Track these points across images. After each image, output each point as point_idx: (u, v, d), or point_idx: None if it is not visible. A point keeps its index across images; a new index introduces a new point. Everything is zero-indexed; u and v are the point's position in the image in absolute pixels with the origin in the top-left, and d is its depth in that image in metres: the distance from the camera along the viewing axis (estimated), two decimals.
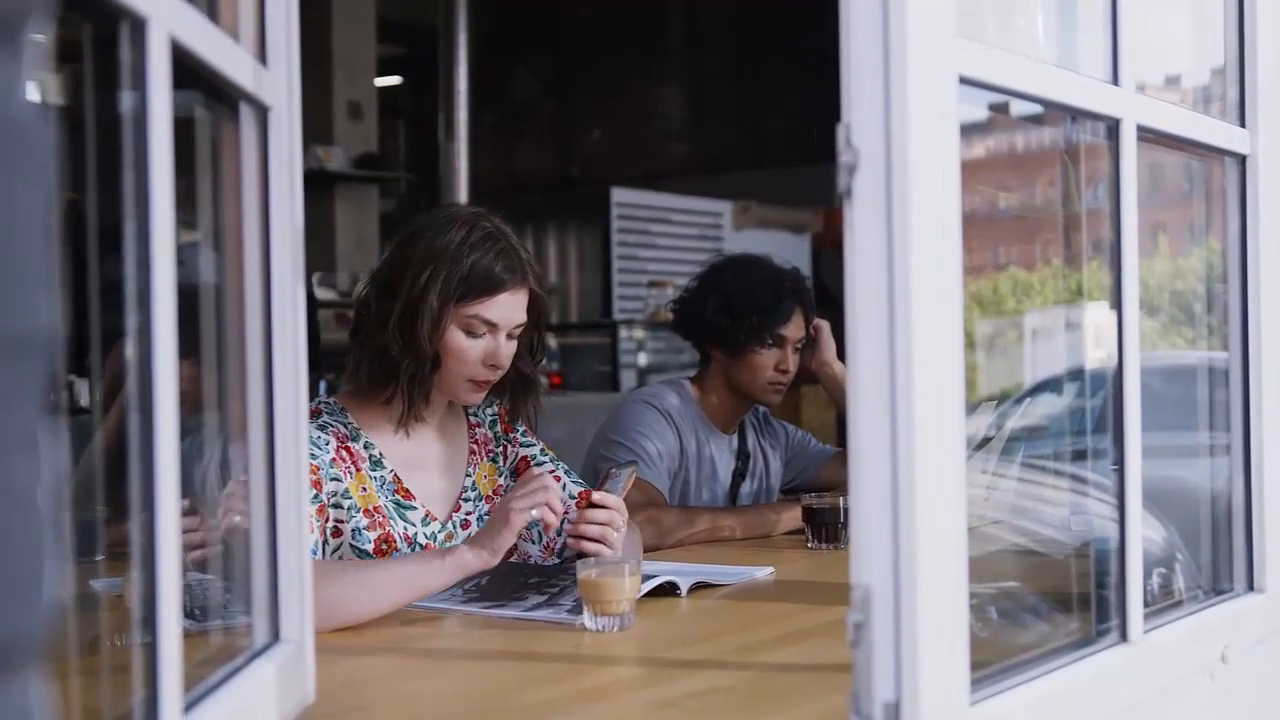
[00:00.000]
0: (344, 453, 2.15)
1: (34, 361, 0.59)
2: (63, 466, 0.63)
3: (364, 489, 2.16)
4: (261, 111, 1.34)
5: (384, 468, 2.21)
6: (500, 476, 2.37)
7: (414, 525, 2.20)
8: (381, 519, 2.16)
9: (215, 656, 1.32)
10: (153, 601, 1.00)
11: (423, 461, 2.27)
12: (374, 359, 2.18)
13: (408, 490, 2.22)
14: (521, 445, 2.41)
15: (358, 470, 2.17)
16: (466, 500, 2.31)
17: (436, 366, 2.18)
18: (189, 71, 1.11)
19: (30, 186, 0.58)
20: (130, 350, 1.00)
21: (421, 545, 2.20)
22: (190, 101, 1.25)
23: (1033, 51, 1.61)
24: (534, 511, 1.96)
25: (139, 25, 0.99)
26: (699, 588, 2.17)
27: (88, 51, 1.02)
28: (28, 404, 0.58)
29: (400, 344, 2.15)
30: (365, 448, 2.20)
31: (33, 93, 0.60)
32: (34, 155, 0.58)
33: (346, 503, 2.13)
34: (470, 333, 2.17)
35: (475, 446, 2.36)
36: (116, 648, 1.37)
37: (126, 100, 1.01)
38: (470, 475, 2.33)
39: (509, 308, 2.19)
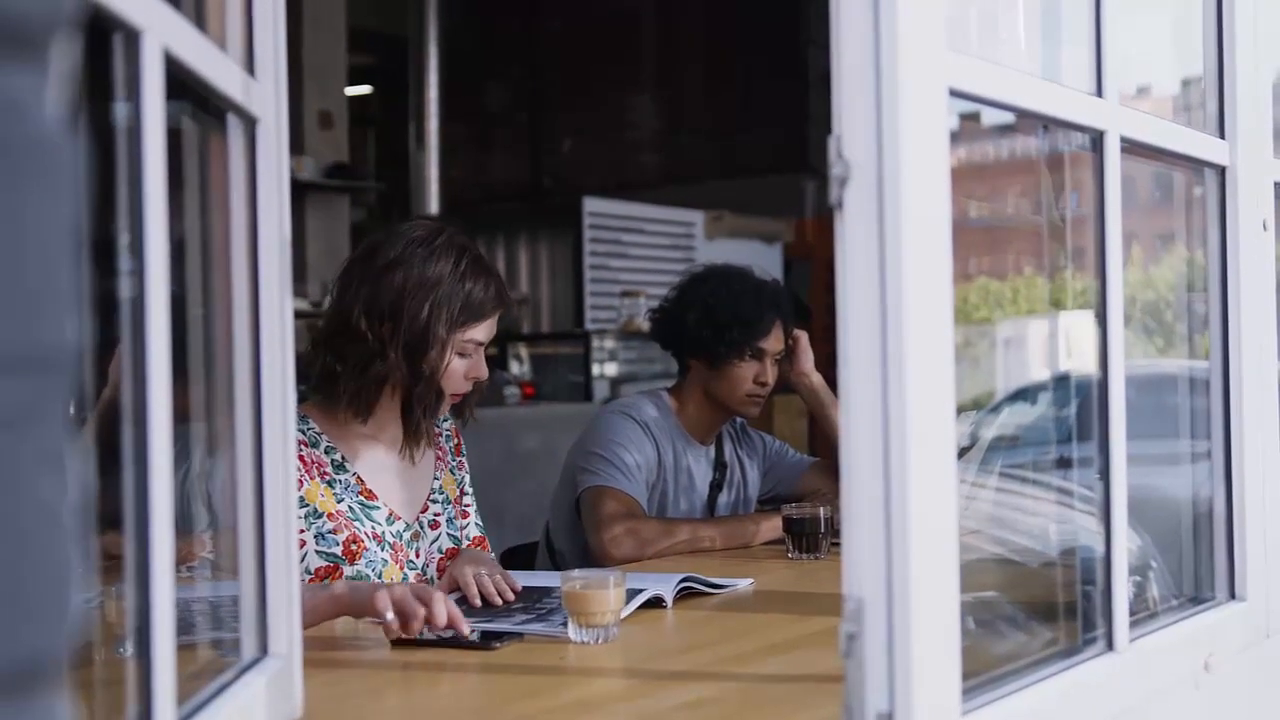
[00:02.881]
0: (298, 461, 2.17)
1: (59, 377, 0.58)
2: (87, 482, 0.63)
3: (322, 495, 2.21)
4: (250, 123, 1.33)
5: (347, 471, 2.26)
6: (457, 487, 2.46)
7: (380, 524, 2.26)
8: (345, 521, 2.21)
9: (202, 670, 1.31)
10: (147, 616, 0.99)
11: (389, 464, 2.33)
12: (375, 385, 2.23)
13: (371, 491, 2.28)
14: (465, 470, 2.51)
15: (313, 478, 2.22)
16: (435, 501, 2.39)
17: (442, 394, 2.26)
18: (178, 82, 1.11)
19: (57, 201, 0.58)
20: (124, 362, 1.00)
21: (390, 544, 2.26)
22: (177, 112, 1.25)
23: (1016, 63, 1.62)
24: (389, 616, 1.79)
25: (133, 37, 0.98)
26: (685, 595, 2.17)
27: (79, 61, 1.01)
28: (54, 420, 0.58)
29: (408, 373, 2.22)
30: (326, 452, 2.26)
31: (58, 107, 0.60)
32: (61, 170, 0.58)
33: (303, 510, 2.17)
34: (462, 355, 2.27)
35: (440, 453, 2.44)
36: (98, 662, 1.36)
37: (119, 111, 1.00)
38: (438, 479, 2.41)
39: (493, 326, 2.31)
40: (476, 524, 2.49)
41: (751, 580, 2.35)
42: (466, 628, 1.82)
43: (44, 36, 0.58)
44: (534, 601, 2.10)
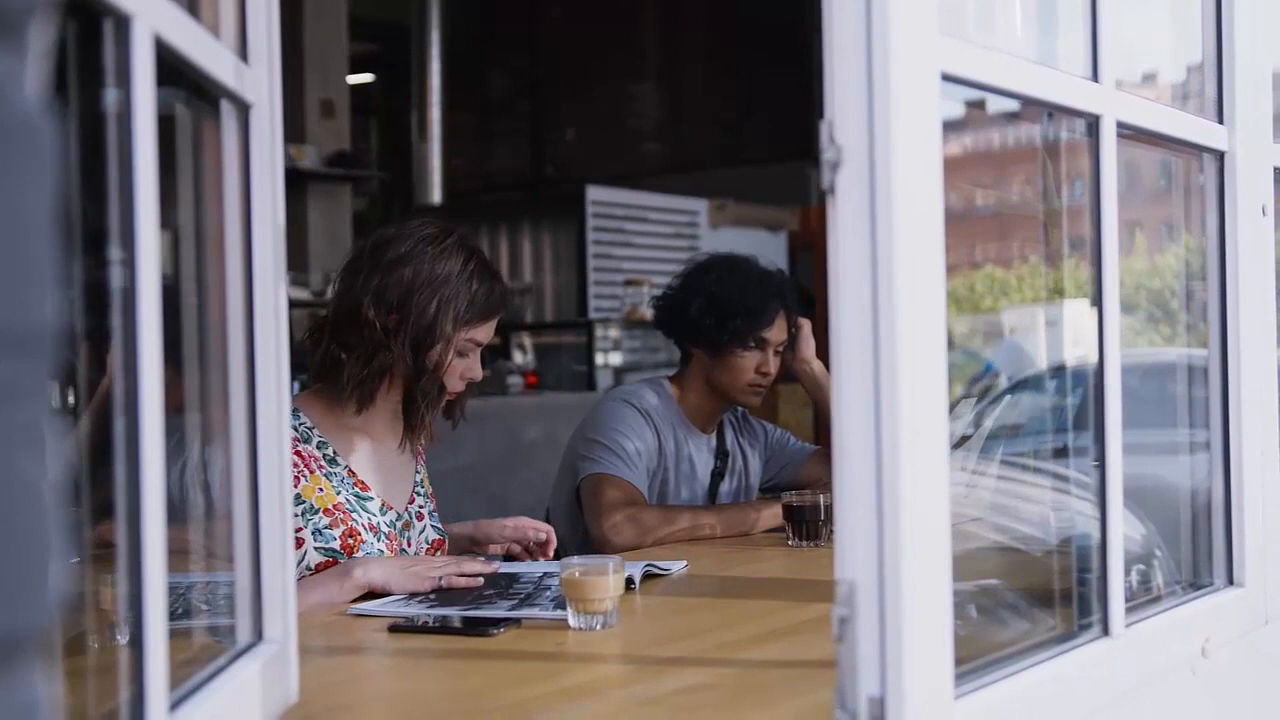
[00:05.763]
0: (295, 457, 2.19)
1: (39, 357, 0.59)
2: (67, 461, 0.63)
3: (320, 489, 2.24)
4: (243, 109, 1.33)
5: (339, 464, 2.29)
6: (430, 484, 2.50)
7: (375, 515, 2.29)
8: (343, 514, 2.25)
9: (197, 656, 1.31)
10: (139, 602, 0.99)
11: (377, 458, 2.36)
12: (378, 376, 2.26)
13: (363, 482, 2.31)
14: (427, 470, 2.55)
15: (312, 472, 2.24)
16: (419, 494, 2.43)
17: (444, 388, 2.29)
18: (170, 68, 1.11)
19: (36, 183, 0.58)
20: (115, 351, 1.00)
21: (385, 534, 2.29)
22: (170, 98, 1.24)
23: (1012, 48, 1.61)
24: (442, 582, 2.12)
25: (123, 22, 0.98)
26: (689, 583, 2.20)
27: (69, 47, 1.01)
28: (34, 399, 0.58)
29: (412, 367, 2.26)
30: (319, 447, 2.28)
31: (36, 90, 0.60)
32: (39, 152, 0.59)
33: (300, 507, 2.19)
34: (461, 353, 2.31)
35: (421, 447, 2.48)
36: (94, 648, 1.36)
37: (109, 97, 1.00)
38: (419, 472, 2.45)
39: (493, 328, 2.36)
40: (435, 526, 2.49)
41: (685, 562, 2.38)
42: (490, 568, 2.16)
43: (21, 19, 0.58)
44: (506, 588, 2.11)
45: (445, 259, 2.27)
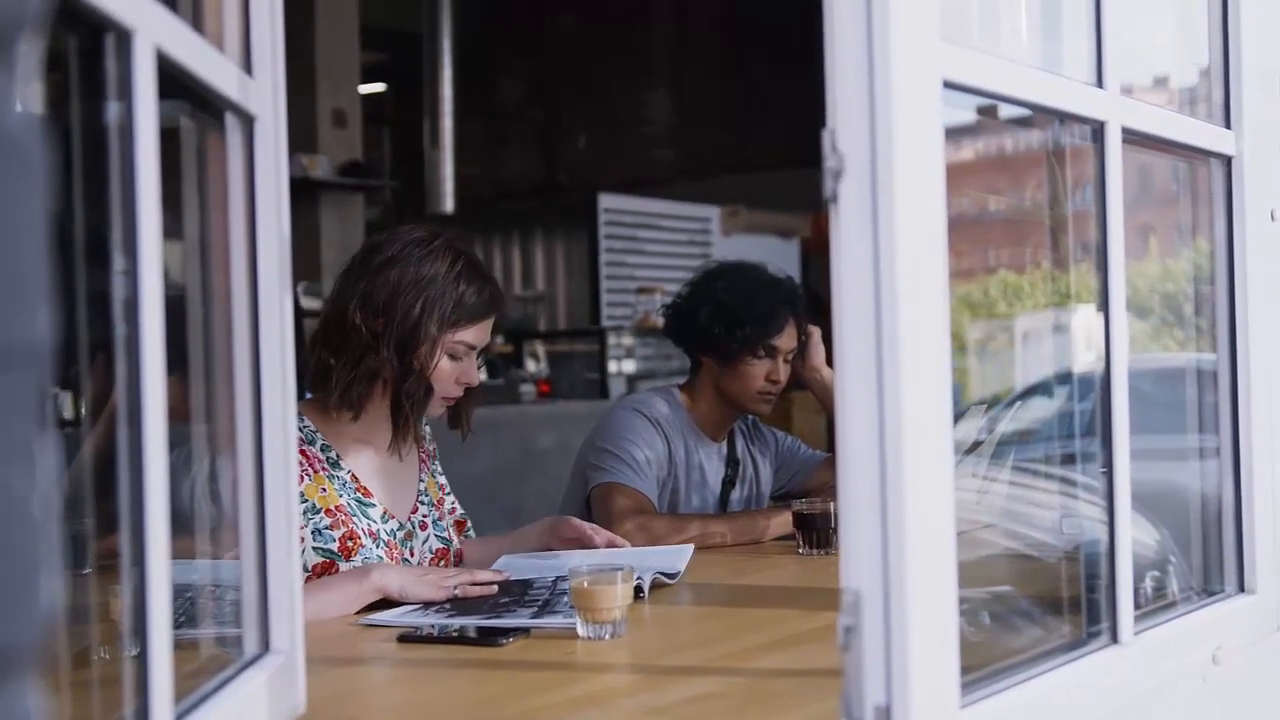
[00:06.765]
0: (299, 456, 2.20)
1: (30, 371, 0.59)
2: (58, 476, 0.63)
3: (323, 490, 2.25)
4: (247, 121, 1.34)
5: (342, 469, 2.30)
6: (438, 490, 2.50)
7: (375, 522, 2.30)
8: (344, 517, 2.25)
9: (204, 667, 1.31)
10: (143, 613, 1.00)
11: (380, 466, 2.36)
12: (366, 379, 2.27)
13: (366, 489, 2.32)
14: (441, 473, 2.55)
15: (315, 473, 2.25)
16: (423, 503, 2.43)
17: (431, 390, 2.28)
18: (174, 81, 1.11)
19: (27, 197, 0.58)
20: (118, 363, 1.00)
21: (385, 541, 2.30)
22: (175, 111, 1.25)
23: (1017, 55, 1.61)
24: (457, 591, 2.11)
25: (125, 37, 0.99)
26: (699, 591, 2.20)
27: (72, 61, 1.02)
28: (24, 413, 0.59)
29: (398, 369, 2.26)
30: (322, 450, 2.29)
31: (27, 104, 0.60)
32: (30, 166, 0.59)
33: (302, 505, 2.20)
34: (453, 356, 2.30)
35: (424, 456, 2.48)
36: (103, 660, 1.37)
37: (112, 111, 1.01)
38: (423, 481, 2.45)
39: (487, 331, 2.35)
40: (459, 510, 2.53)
41: (691, 546, 2.40)
42: (500, 577, 2.17)
43: (10, 36, 0.58)
44: (521, 595, 2.11)
45: (432, 261, 2.27)
